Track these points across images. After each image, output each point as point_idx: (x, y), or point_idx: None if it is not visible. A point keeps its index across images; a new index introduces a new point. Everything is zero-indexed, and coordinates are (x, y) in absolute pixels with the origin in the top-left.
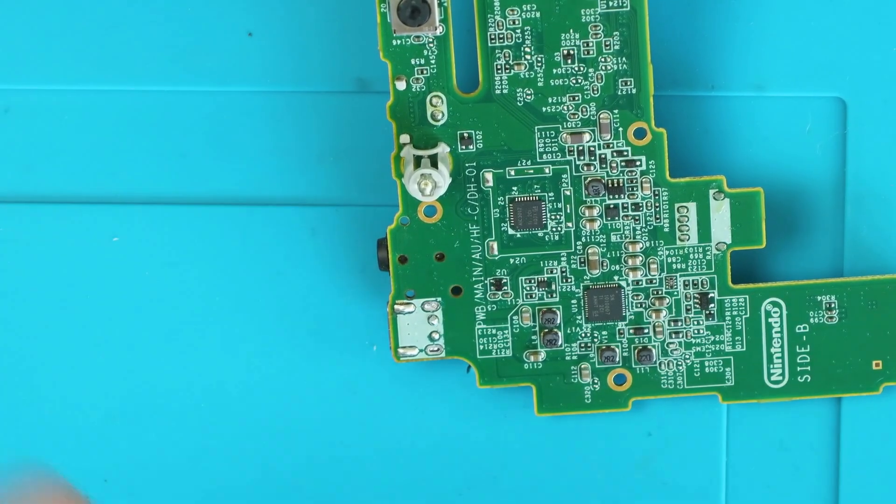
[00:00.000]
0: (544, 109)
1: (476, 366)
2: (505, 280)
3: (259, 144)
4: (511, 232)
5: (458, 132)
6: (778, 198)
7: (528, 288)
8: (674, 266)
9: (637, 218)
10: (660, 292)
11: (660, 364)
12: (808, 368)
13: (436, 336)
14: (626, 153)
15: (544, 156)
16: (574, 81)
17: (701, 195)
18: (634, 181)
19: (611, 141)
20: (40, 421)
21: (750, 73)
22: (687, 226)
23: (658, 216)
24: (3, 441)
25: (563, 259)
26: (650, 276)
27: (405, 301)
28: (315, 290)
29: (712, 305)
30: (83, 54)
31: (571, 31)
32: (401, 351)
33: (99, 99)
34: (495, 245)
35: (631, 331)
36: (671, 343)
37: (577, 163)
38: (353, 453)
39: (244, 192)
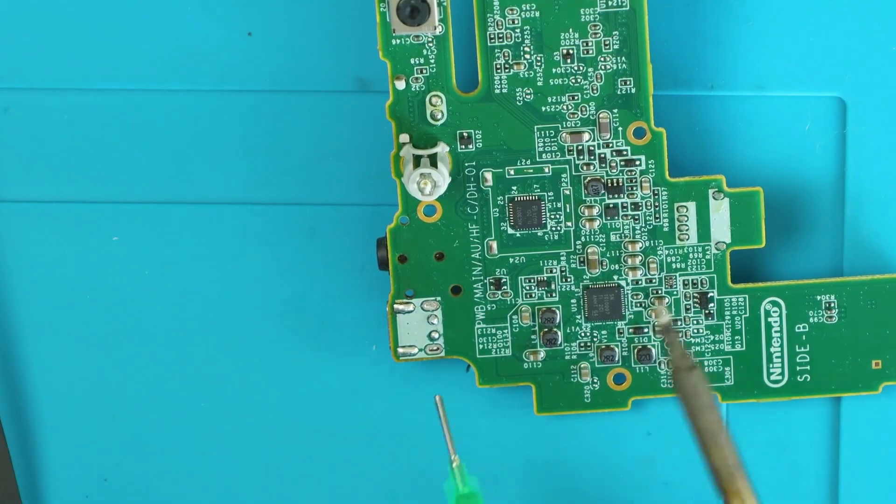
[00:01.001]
0: (544, 109)
1: (476, 365)
2: (504, 279)
3: (259, 144)
4: (511, 231)
5: (458, 132)
6: (778, 197)
7: (527, 287)
8: (673, 266)
9: (636, 217)
10: (659, 292)
11: (659, 363)
12: (808, 368)
13: (435, 335)
14: (625, 153)
15: (544, 155)
16: (573, 81)
17: (700, 195)
18: (634, 181)
19: (610, 140)
20: (40, 421)
21: (750, 73)
22: (686, 225)
23: (657, 216)
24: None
25: (562, 258)
26: (650, 276)
27: (405, 301)
28: (315, 290)
29: (712, 305)
30: (83, 54)
31: (571, 30)
32: (401, 350)
33: (99, 99)
34: (495, 244)
35: (630, 330)
36: None
37: (577, 162)
38: (354, 453)
39: (244, 192)
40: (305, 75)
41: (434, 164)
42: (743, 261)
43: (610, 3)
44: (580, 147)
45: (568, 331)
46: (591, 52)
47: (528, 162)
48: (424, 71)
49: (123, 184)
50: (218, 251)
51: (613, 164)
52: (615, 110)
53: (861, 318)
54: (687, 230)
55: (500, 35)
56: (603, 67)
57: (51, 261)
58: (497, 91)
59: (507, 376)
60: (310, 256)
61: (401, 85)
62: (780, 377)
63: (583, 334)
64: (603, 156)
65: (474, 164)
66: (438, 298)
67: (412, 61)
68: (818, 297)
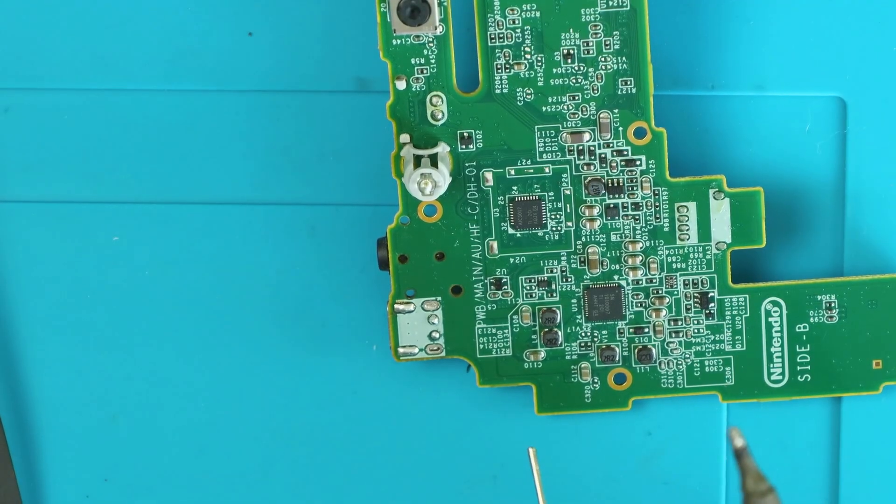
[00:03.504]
0: (544, 109)
1: (476, 365)
2: (505, 279)
3: (259, 144)
4: (511, 231)
5: (458, 132)
6: (778, 197)
7: (528, 287)
8: (674, 265)
9: (637, 217)
10: (660, 292)
11: (660, 363)
12: (808, 368)
13: (436, 335)
14: (626, 153)
15: (544, 155)
16: (574, 81)
17: (701, 195)
18: (634, 181)
19: (611, 140)
20: (40, 421)
21: (750, 73)
22: (687, 225)
23: (658, 216)
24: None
25: (563, 258)
26: (650, 276)
27: (405, 300)
28: (315, 290)
29: (712, 305)
30: (83, 54)
31: (571, 30)
32: (401, 350)
33: (99, 99)
34: (495, 244)
35: (631, 330)
36: (671, 342)
37: (577, 162)
38: (353, 453)
39: (244, 192)
40: (305, 75)
41: (434, 164)
42: (743, 261)
43: (610, 3)
44: (581, 147)
45: (568, 331)
46: (591, 52)
47: (529, 162)
48: (425, 71)
49: (123, 184)
50: (218, 251)
51: (614, 164)
52: (616, 110)
53: (861, 318)
54: (687, 230)
55: (501, 35)
56: (603, 67)
57: (51, 261)
58: (498, 91)
59: (507, 376)
60: (310, 256)
61: (401, 85)
62: (780, 377)
63: (583, 334)
64: (603, 156)
65: (475, 164)
66: (439, 298)
67: (413, 61)
68: (818, 297)
